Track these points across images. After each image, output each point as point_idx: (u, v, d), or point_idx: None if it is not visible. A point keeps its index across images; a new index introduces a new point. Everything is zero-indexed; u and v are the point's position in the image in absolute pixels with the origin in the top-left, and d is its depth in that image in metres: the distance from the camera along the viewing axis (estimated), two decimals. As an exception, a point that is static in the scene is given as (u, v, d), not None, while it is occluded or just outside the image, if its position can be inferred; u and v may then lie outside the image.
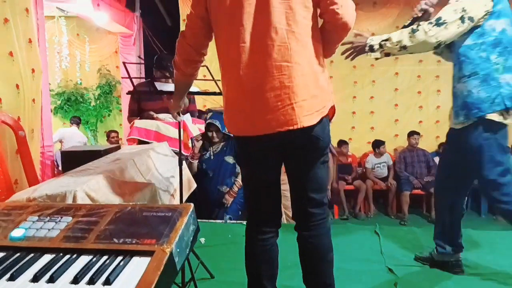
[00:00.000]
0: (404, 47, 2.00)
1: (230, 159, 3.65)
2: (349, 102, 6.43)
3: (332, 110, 1.58)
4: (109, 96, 6.57)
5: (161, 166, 2.30)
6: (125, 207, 1.11)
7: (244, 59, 1.46)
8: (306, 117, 1.44)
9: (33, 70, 3.23)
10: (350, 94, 6.42)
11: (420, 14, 2.12)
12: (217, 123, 3.60)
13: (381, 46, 2.02)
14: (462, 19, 1.93)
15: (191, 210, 1.09)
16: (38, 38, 3.42)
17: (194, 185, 2.55)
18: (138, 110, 3.24)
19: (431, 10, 2.12)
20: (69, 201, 1.65)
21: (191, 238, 1.08)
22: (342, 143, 6.01)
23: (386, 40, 2.01)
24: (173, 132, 2.88)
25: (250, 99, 1.48)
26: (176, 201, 2.32)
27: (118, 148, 4.12)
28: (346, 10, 1.43)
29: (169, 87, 2.56)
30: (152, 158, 2.30)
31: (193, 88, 2.45)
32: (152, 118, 3.10)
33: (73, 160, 3.70)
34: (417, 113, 6.44)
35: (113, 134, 5.91)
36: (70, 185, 1.75)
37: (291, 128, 1.45)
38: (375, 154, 6.07)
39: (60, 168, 4.45)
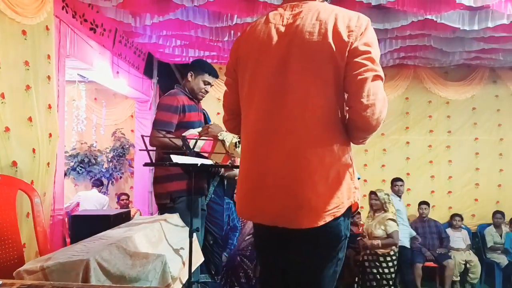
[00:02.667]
0: None
1: None
2: (360, 170, 6.39)
3: (355, 205, 1.43)
4: (121, 159, 6.66)
5: (171, 237, 2.27)
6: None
7: (254, 143, 1.42)
8: (306, 219, 1.30)
9: (50, 135, 3.31)
10: (361, 162, 6.43)
11: None
12: None
13: None
14: None
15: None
16: (58, 103, 3.54)
17: (202, 258, 2.49)
18: (177, 124, 2.75)
19: None
20: (81, 270, 1.63)
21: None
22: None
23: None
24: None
25: (252, 185, 1.41)
26: (185, 270, 2.27)
27: (128, 212, 4.14)
28: (372, 112, 1.27)
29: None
30: (164, 229, 2.28)
31: (207, 161, 2.49)
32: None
33: (82, 223, 3.72)
34: (429, 183, 6.40)
35: (123, 197, 5.91)
36: (83, 254, 1.74)
37: (288, 226, 1.33)
38: None
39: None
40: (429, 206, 5.84)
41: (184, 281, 2.24)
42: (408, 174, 6.42)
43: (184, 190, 2.70)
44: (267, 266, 1.55)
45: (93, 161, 6.40)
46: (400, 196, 5.50)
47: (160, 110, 2.77)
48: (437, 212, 6.13)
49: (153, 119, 2.79)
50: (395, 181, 5.56)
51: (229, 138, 2.59)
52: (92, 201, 5.55)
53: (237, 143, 2.48)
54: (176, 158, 2.08)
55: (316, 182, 1.31)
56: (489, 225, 5.95)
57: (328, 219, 1.32)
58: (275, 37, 1.39)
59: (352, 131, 1.37)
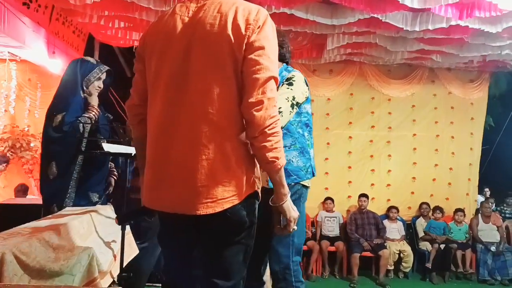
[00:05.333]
0: None
1: None
2: (304, 162, 6.49)
3: (258, 196, 1.48)
4: (58, 145, 6.29)
5: (102, 229, 2.16)
6: (49, 290, 0.99)
7: (157, 133, 1.44)
8: (202, 205, 1.34)
9: (-27, 117, 3.04)
10: (305, 155, 6.51)
11: None
12: None
13: None
14: (292, 106, 2.21)
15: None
16: (-16, 83, 3.26)
17: (136, 251, 2.40)
18: None
19: None
20: (-5, 264, 1.50)
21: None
22: None
23: None
24: None
25: (154, 174, 1.44)
26: (116, 264, 2.18)
27: (61, 202, 3.90)
28: (258, 110, 1.31)
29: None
30: (94, 220, 2.16)
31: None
32: None
33: (8, 214, 3.46)
34: (369, 176, 6.62)
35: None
36: (-1, 247, 1.60)
37: (186, 213, 1.36)
38: (326, 209, 6.21)
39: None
40: (368, 199, 6.07)
41: (115, 275, 2.15)
42: (349, 167, 6.60)
43: None
44: (171, 255, 1.57)
45: (26, 146, 5.98)
46: None
47: None
48: (376, 204, 6.38)
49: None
50: None
51: None
52: None
53: None
54: (107, 147, 1.97)
55: (215, 171, 1.35)
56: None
57: (227, 205, 1.36)
58: (179, 28, 1.42)
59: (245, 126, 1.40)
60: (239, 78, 1.36)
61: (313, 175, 2.31)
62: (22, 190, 5.40)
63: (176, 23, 1.43)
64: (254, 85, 1.32)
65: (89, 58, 2.91)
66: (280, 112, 2.11)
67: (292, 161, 2.25)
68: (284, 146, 2.25)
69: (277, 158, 1.35)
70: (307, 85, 2.30)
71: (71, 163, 2.61)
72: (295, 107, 2.23)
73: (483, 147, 6.80)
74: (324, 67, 6.50)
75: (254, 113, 1.31)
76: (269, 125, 1.32)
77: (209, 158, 1.34)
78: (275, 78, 1.36)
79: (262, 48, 1.34)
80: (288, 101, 2.18)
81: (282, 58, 2.29)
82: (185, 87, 1.38)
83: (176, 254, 1.54)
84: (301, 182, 2.27)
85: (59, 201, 2.64)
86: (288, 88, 2.18)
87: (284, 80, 2.22)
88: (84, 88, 2.75)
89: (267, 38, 1.36)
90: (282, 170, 1.39)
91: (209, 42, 1.36)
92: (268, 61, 1.34)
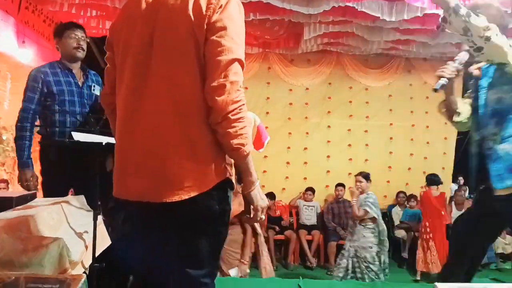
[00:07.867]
0: (487, 40, 1.71)
1: None
2: (283, 152, 6.55)
3: (230, 183, 1.42)
4: (30, 137, 6.13)
5: (73, 220, 2.11)
6: (8, 278, 0.96)
7: (123, 120, 1.40)
8: (168, 193, 1.29)
9: None
10: (285, 145, 6.55)
11: (453, 75, 1.98)
12: None
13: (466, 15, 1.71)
14: None
15: (82, 281, 0.97)
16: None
17: (109, 242, 2.36)
18: None
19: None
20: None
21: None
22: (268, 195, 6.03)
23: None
24: None
25: (120, 163, 1.40)
26: (88, 255, 2.15)
27: (34, 195, 3.80)
28: (220, 95, 1.25)
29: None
30: (65, 211, 2.11)
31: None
32: None
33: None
34: (347, 165, 6.69)
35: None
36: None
37: (152, 201, 1.32)
38: (304, 198, 6.26)
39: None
40: (344, 188, 6.14)
41: (87, 265, 2.11)
42: (328, 156, 6.66)
43: None
44: (141, 247, 1.47)
45: (-3, 139, 5.81)
46: None
47: None
48: (353, 193, 6.45)
49: None
50: None
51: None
52: None
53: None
54: (77, 136, 1.92)
55: (181, 158, 1.30)
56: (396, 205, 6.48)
57: (193, 193, 1.31)
58: (143, 11, 1.37)
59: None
60: (202, 61, 1.30)
61: None
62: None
63: (141, 5, 1.38)
64: (216, 68, 1.26)
65: None
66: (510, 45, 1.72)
67: None
68: (510, 136, 1.83)
69: (242, 144, 1.29)
70: None
71: None
72: None
73: (457, 136, 6.94)
74: (302, 57, 6.52)
75: (216, 98, 1.25)
76: (232, 110, 1.26)
77: (174, 145, 1.30)
78: (239, 60, 1.29)
79: (224, 28, 1.27)
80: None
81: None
82: (149, 72, 1.33)
83: (147, 246, 1.46)
84: None
85: None
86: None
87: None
88: None
89: (230, 18, 1.29)
90: (250, 157, 1.34)
91: (171, 24, 1.31)
92: (231, 42, 1.28)
